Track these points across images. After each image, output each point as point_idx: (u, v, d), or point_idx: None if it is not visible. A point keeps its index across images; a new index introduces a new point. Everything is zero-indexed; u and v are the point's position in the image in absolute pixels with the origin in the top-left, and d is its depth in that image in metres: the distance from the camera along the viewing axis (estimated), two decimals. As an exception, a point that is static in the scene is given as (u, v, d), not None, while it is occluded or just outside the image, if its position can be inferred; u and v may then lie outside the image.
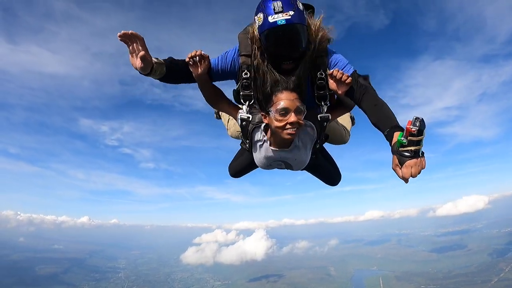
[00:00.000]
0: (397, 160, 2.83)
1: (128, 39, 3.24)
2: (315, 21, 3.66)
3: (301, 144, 3.92)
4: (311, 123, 3.81)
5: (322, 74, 3.74)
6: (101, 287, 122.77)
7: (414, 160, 2.70)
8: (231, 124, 5.49)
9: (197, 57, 3.59)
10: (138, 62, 3.29)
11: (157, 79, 3.66)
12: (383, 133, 3.20)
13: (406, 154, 2.75)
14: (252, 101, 3.92)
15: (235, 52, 3.85)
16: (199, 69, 3.66)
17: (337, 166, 5.31)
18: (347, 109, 4.29)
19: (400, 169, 2.80)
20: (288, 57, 3.53)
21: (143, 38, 3.27)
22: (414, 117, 2.72)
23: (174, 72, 3.71)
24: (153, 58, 3.45)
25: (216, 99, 4.11)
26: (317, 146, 4.12)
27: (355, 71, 3.73)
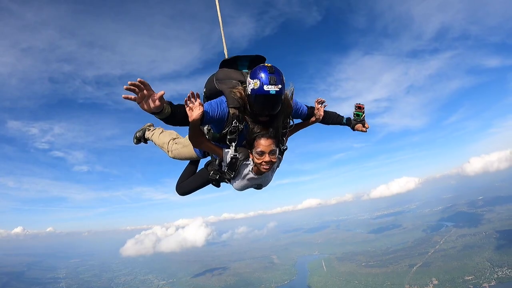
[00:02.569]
0: (360, 125, 5.90)
1: (136, 87, 3.66)
2: (288, 90, 4.97)
3: (270, 171, 5.06)
4: (278, 155, 5.03)
5: (290, 121, 5.26)
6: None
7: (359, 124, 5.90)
8: (175, 147, 6.47)
9: (194, 101, 4.20)
10: (157, 103, 3.80)
11: (162, 118, 4.12)
12: (340, 123, 6.10)
13: (361, 118, 5.88)
14: (236, 142, 4.91)
15: (225, 105, 4.69)
16: (196, 114, 4.21)
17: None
18: (292, 132, 5.76)
19: (363, 127, 5.92)
20: (268, 115, 4.65)
21: (148, 83, 3.70)
22: (356, 103, 5.84)
23: (176, 113, 4.21)
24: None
25: (202, 139, 4.91)
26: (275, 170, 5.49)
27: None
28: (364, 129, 5.96)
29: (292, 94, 5.06)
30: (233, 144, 4.91)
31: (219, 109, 4.63)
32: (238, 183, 5.24)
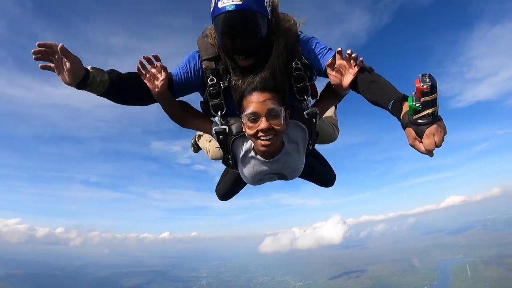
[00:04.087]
0: (413, 133, 2.31)
1: (45, 53, 2.56)
2: (284, 15, 3.30)
3: (292, 149, 3.27)
4: (299, 122, 3.18)
5: (298, 64, 3.21)
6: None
7: (434, 126, 2.19)
8: (211, 145, 4.79)
9: (153, 64, 3.12)
10: (67, 69, 2.60)
11: (101, 94, 2.92)
12: (386, 108, 2.66)
13: (424, 121, 2.24)
14: (225, 110, 3.32)
15: (195, 58, 3.36)
16: (159, 85, 3.11)
17: (330, 166, 4.79)
18: (336, 99, 3.60)
19: (421, 141, 2.27)
20: (241, 50, 3.00)
21: (62, 48, 2.51)
22: (421, 74, 2.21)
23: (122, 87, 3.04)
24: (91, 66, 2.81)
25: (183, 116, 3.52)
26: (310, 148, 3.46)
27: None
28: (421, 147, 2.33)
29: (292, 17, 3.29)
30: (219, 112, 3.30)
31: (188, 67, 3.31)
32: (244, 171, 3.43)
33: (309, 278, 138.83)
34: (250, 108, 2.79)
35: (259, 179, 3.48)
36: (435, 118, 2.20)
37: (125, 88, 3.06)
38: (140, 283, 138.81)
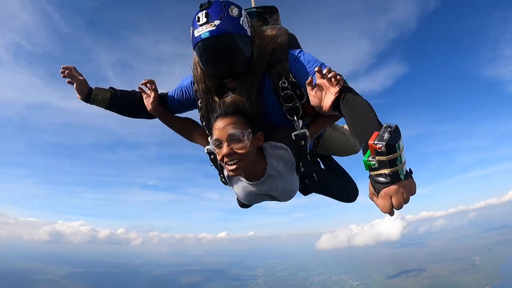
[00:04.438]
0: (372, 188, 1.99)
1: (67, 73, 3.37)
2: (267, 29, 3.33)
3: (275, 172, 3.20)
4: (282, 144, 3.13)
5: (285, 83, 3.10)
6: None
7: (393, 187, 1.86)
8: None
9: (147, 85, 3.47)
10: (75, 87, 3.41)
11: (106, 108, 3.58)
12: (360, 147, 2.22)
13: (382, 179, 1.89)
14: None
15: (189, 80, 3.50)
16: (150, 102, 3.47)
17: (350, 180, 4.59)
18: (330, 120, 3.51)
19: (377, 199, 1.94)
20: (226, 74, 3.02)
21: (73, 68, 3.39)
22: (384, 125, 1.97)
23: (122, 102, 3.63)
24: (96, 87, 3.53)
25: (186, 132, 3.74)
26: (302, 170, 3.36)
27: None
28: (377, 204, 1.94)
29: (245, 21, 2.98)
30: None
31: (181, 88, 3.55)
32: (235, 191, 3.51)
33: (366, 277, 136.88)
34: (214, 135, 2.79)
35: (250, 199, 3.49)
36: (395, 178, 1.86)
37: (125, 104, 3.66)
38: (198, 281, 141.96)
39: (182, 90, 3.53)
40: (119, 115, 3.77)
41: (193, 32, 2.83)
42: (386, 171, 1.86)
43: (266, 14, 4.03)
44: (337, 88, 2.55)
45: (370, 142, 1.88)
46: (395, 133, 1.89)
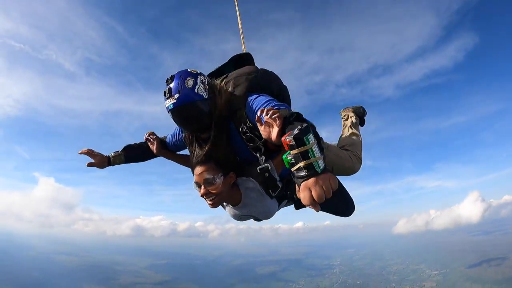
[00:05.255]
0: (296, 185, 2.23)
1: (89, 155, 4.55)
2: (229, 79, 4.02)
3: (249, 200, 3.86)
4: (250, 178, 3.82)
5: (244, 128, 3.69)
6: (316, 282, 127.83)
7: (311, 180, 2.13)
8: None
9: (149, 136, 4.70)
10: (95, 164, 4.59)
11: (123, 163, 4.87)
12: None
13: (300, 174, 2.12)
14: None
15: (179, 128, 4.42)
16: (154, 148, 4.67)
17: (346, 197, 4.60)
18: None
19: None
20: (194, 131, 3.83)
21: (90, 151, 4.55)
22: (298, 127, 2.21)
23: (136, 155, 4.91)
24: (110, 153, 4.76)
25: (185, 164, 4.81)
26: (274, 194, 3.83)
27: (276, 105, 3.37)
28: (299, 193, 2.22)
29: (202, 86, 3.58)
30: None
31: (175, 135, 4.62)
32: (227, 212, 4.34)
33: (445, 266, 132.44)
34: (194, 178, 3.63)
35: (239, 218, 4.25)
36: (311, 171, 2.11)
37: (136, 156, 4.94)
38: (274, 271, 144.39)
39: (175, 136, 4.57)
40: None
41: (164, 102, 3.57)
42: (301, 164, 2.08)
43: (240, 61, 4.75)
44: (278, 122, 2.78)
45: (283, 138, 2.14)
46: (304, 129, 2.12)
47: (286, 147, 2.14)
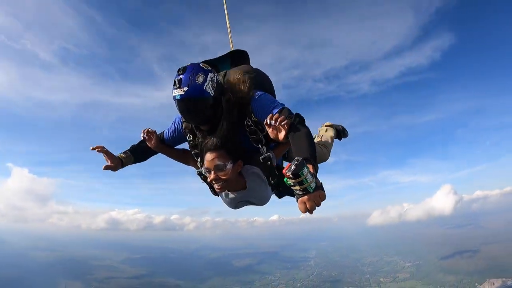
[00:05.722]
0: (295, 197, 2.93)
1: (101, 152, 4.66)
2: (234, 76, 4.35)
3: (253, 185, 4.40)
4: (255, 166, 4.36)
5: (249, 122, 4.21)
6: (292, 274, 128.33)
7: (306, 197, 2.76)
8: None
9: (147, 134, 4.79)
10: (109, 165, 4.66)
11: (132, 164, 5.05)
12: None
13: (298, 192, 2.81)
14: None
15: (179, 120, 4.66)
16: (152, 143, 4.79)
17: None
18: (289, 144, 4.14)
19: None
20: (196, 122, 4.24)
21: (106, 151, 4.68)
22: (295, 159, 2.76)
23: (140, 154, 5.06)
24: (120, 154, 4.85)
25: (183, 160, 5.08)
26: (273, 182, 4.49)
27: (282, 109, 3.99)
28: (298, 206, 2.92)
29: (215, 83, 3.97)
30: (199, 159, 4.60)
31: (173, 128, 4.80)
32: (223, 199, 4.78)
33: (419, 258, 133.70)
34: (205, 164, 4.10)
35: (235, 205, 4.78)
36: (306, 192, 2.74)
37: (141, 153, 5.07)
38: (250, 263, 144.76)
39: (173, 129, 4.78)
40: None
41: (172, 90, 3.86)
42: (297, 187, 2.72)
43: (237, 58, 5.34)
44: (285, 126, 3.67)
45: (284, 171, 2.70)
46: (300, 165, 2.67)
47: (287, 177, 2.70)
